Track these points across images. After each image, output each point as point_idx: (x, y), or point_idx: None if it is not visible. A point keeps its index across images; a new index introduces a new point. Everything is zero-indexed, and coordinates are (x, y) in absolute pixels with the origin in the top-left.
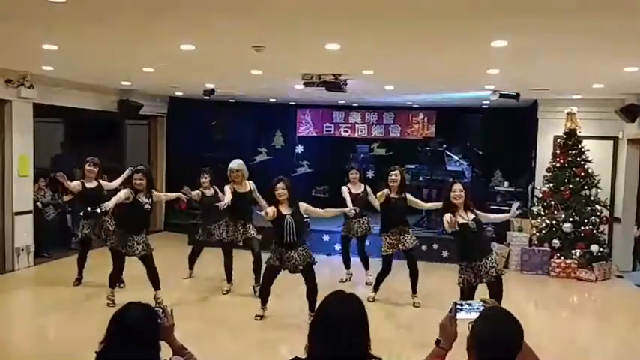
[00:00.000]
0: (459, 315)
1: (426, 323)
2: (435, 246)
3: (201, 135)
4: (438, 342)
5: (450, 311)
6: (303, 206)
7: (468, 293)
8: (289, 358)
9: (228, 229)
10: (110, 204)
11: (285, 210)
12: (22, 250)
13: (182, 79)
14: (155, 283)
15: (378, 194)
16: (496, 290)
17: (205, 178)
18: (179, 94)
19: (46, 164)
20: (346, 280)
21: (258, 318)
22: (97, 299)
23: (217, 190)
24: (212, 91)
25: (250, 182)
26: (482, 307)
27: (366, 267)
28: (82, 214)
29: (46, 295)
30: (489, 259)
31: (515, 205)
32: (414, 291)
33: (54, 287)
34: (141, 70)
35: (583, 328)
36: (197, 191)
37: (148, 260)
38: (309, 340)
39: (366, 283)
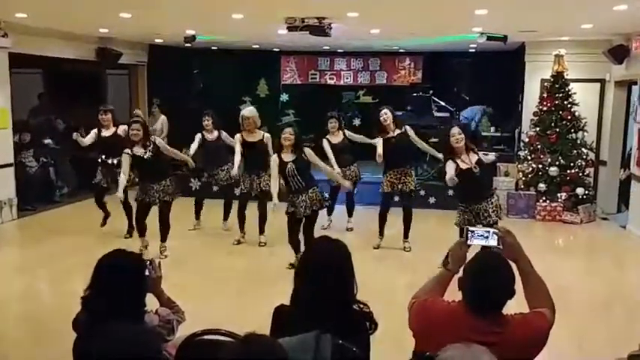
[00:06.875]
0: (472, 241)
1: (417, 267)
2: (422, 193)
3: (184, 84)
4: (445, 264)
5: (462, 236)
6: (307, 151)
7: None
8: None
9: (245, 181)
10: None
11: (287, 157)
12: (5, 203)
13: (161, 26)
14: (163, 234)
15: (378, 147)
16: None
17: (207, 120)
18: (159, 41)
19: (25, 116)
20: (326, 227)
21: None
22: (92, 251)
23: (221, 132)
24: (193, 37)
25: (266, 134)
26: (495, 236)
27: (350, 214)
28: (99, 160)
29: (33, 248)
30: (490, 202)
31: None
32: (406, 236)
33: (40, 240)
34: (117, 17)
35: (569, 269)
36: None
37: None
38: (295, 286)
39: (347, 229)
